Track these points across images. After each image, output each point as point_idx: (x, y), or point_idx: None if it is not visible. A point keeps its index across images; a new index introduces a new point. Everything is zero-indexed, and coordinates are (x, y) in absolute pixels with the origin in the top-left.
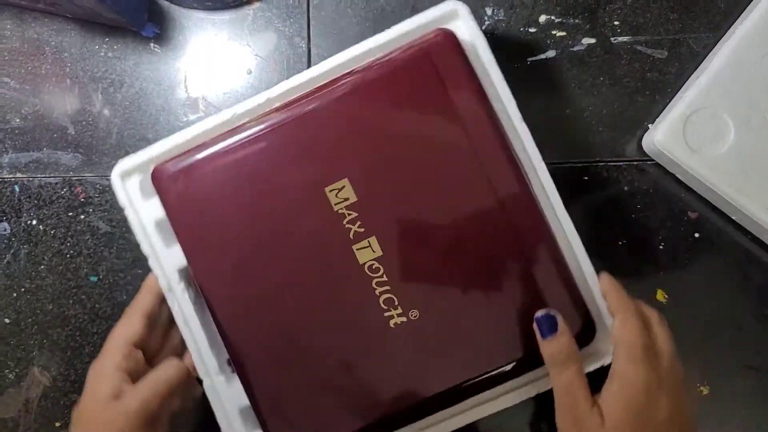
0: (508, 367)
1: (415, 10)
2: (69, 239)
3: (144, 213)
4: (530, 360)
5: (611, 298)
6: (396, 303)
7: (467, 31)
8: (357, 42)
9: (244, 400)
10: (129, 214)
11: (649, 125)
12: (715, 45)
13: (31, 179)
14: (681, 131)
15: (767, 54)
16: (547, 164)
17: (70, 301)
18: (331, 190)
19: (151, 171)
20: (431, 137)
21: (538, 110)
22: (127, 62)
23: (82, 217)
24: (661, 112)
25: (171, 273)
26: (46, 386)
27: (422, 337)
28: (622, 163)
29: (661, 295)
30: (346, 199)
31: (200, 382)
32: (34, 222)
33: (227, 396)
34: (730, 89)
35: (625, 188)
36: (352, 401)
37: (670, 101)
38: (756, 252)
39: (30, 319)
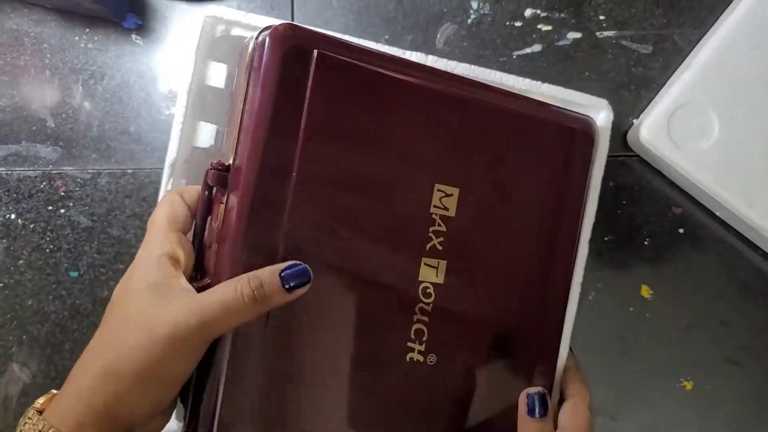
0: None
1: (400, 3)
2: (49, 234)
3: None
4: None
5: (571, 379)
6: (424, 338)
7: (603, 124)
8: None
9: None
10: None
11: (634, 120)
12: (700, 40)
13: (9, 173)
14: (665, 127)
15: (751, 50)
16: None
17: (50, 297)
18: (439, 190)
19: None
20: (541, 202)
21: None
22: (108, 54)
23: (62, 211)
24: (645, 108)
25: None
26: (25, 383)
27: (426, 385)
28: (607, 159)
29: (645, 291)
30: (446, 209)
31: None
32: (13, 216)
33: None
34: (715, 85)
35: (611, 183)
36: (330, 404)
37: (655, 96)
38: (740, 247)
39: (9, 315)
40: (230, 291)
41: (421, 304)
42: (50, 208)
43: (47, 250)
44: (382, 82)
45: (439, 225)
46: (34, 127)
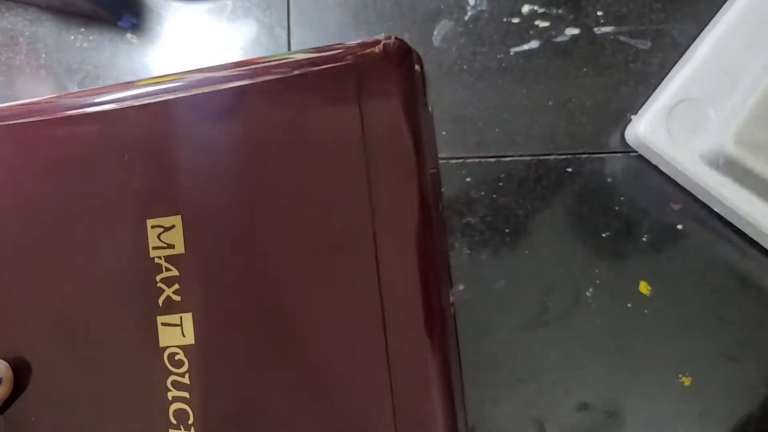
0: None
1: (396, 0)
2: None
3: None
4: None
5: None
6: (189, 421)
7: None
8: (339, 31)
9: None
10: None
11: (632, 116)
12: (698, 36)
13: None
14: (664, 123)
15: (750, 45)
16: (530, 156)
17: None
18: (154, 226)
19: None
20: (322, 195)
21: (520, 101)
22: (103, 53)
23: None
24: (643, 104)
25: None
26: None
27: None
28: (605, 155)
29: (644, 287)
30: (171, 246)
31: None
32: None
33: None
34: (713, 80)
35: (609, 180)
36: None
37: (653, 92)
38: (738, 243)
39: None
40: None
41: (173, 377)
42: None
43: None
44: (30, 133)
45: (168, 269)
46: None
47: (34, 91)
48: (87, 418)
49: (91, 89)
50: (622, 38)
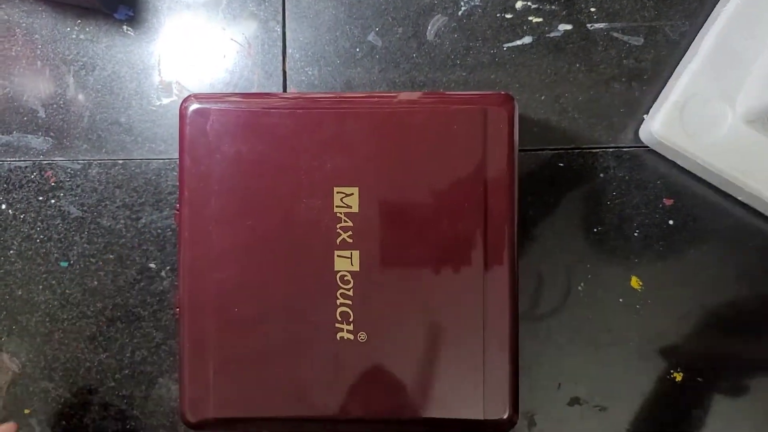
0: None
1: None
2: (39, 224)
3: None
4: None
5: None
6: (350, 319)
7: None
8: (333, 25)
9: None
10: None
11: (644, 116)
12: (698, 31)
13: (0, 163)
14: (678, 119)
15: (751, 36)
16: (522, 150)
17: (40, 287)
18: (338, 192)
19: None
20: (453, 190)
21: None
22: (99, 45)
23: (53, 201)
24: (636, 100)
25: None
26: (15, 373)
27: (360, 361)
28: (597, 150)
29: (635, 282)
30: (349, 207)
31: None
32: (3, 206)
33: None
34: (721, 73)
35: (601, 175)
36: (273, 389)
37: (645, 88)
38: (732, 240)
39: None
40: None
41: (341, 290)
42: (41, 198)
43: (37, 240)
44: (267, 118)
45: (345, 221)
46: (26, 118)
47: (29, 82)
48: (280, 314)
49: (300, 93)
50: (615, 34)
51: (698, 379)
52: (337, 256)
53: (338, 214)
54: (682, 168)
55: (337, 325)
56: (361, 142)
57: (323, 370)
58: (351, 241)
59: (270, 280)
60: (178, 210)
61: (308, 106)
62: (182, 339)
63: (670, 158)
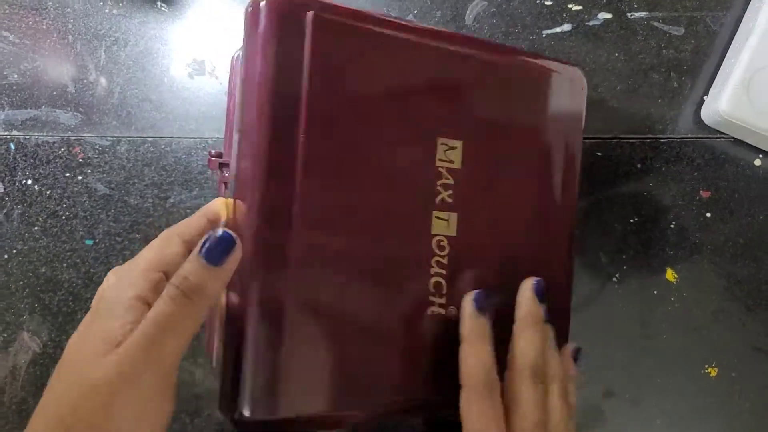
0: None
1: None
2: (65, 200)
3: None
4: None
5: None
6: (443, 291)
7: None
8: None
9: None
10: None
11: (705, 97)
12: (737, 20)
13: (27, 137)
14: (745, 95)
15: None
16: None
17: (64, 265)
18: (442, 143)
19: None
20: (550, 157)
21: None
22: (132, 20)
23: (80, 178)
24: (675, 90)
25: None
26: (35, 352)
27: (448, 339)
28: (634, 140)
29: (670, 275)
30: (451, 162)
31: None
32: (29, 182)
33: None
34: None
35: (638, 165)
36: (354, 368)
37: (684, 79)
38: None
39: (21, 282)
40: (159, 302)
41: (436, 258)
42: (68, 174)
43: (63, 217)
44: (378, 42)
45: (447, 178)
46: (55, 93)
47: (59, 56)
48: (368, 281)
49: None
50: (655, 24)
51: (732, 374)
52: (435, 217)
53: (440, 169)
54: (721, 159)
55: (430, 298)
56: (472, 91)
57: (411, 347)
58: (451, 200)
59: (360, 241)
60: (212, 155)
61: (431, 39)
62: (243, 314)
63: (738, 138)
